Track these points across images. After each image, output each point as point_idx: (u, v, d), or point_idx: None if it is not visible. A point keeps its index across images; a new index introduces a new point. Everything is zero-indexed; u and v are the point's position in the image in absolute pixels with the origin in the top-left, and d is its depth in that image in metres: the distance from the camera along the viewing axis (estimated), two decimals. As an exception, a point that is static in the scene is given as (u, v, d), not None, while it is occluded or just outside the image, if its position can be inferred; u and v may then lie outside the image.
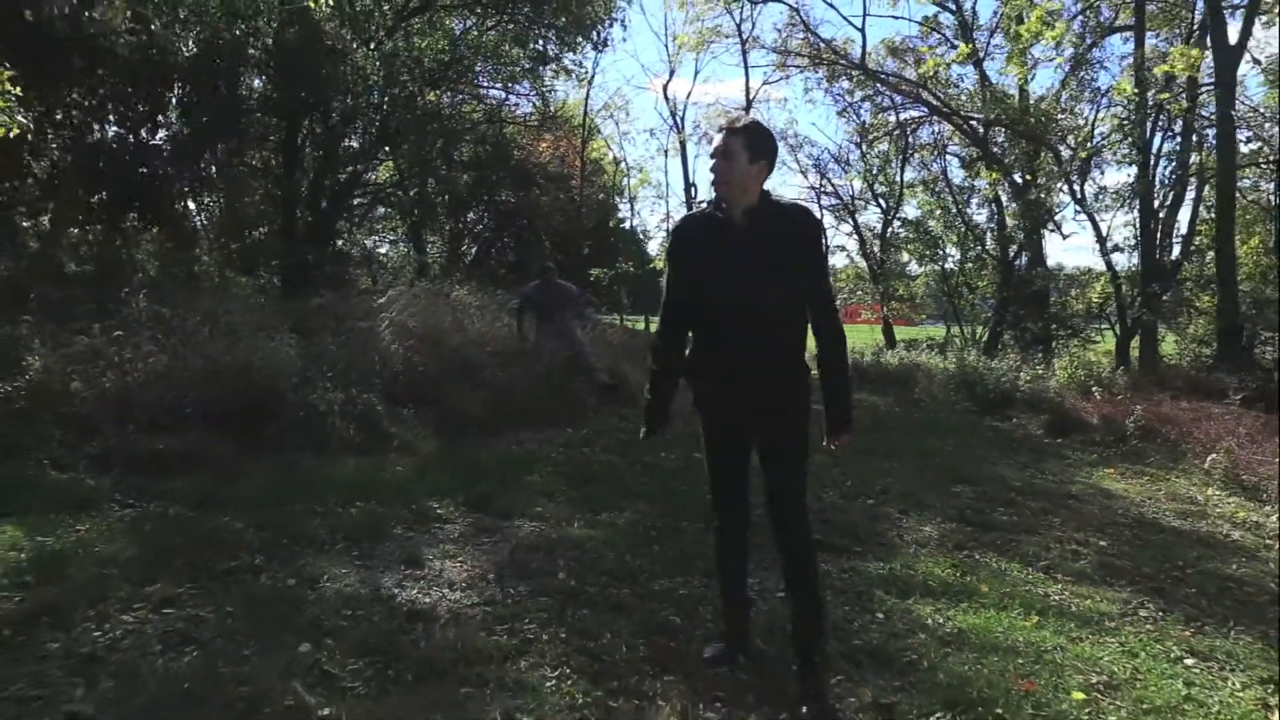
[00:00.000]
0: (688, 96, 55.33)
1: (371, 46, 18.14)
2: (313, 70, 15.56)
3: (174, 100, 15.82)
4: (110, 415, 5.18)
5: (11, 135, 6.41)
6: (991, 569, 4.37)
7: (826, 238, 2.77)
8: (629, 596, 3.59)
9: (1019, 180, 19.44)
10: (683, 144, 29.24)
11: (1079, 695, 2.93)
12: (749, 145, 2.73)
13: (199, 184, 18.12)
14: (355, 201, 22.15)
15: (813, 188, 25.54)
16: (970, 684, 2.92)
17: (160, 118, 15.74)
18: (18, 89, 6.45)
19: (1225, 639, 3.64)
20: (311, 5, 7.93)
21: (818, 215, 2.94)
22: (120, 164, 13.74)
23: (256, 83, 18.84)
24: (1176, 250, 18.62)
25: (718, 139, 2.80)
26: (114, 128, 14.79)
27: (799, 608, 2.90)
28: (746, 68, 26.02)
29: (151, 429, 5.22)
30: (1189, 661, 3.35)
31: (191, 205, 18.31)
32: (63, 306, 7.81)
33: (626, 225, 36.04)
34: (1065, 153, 19.34)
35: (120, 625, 2.95)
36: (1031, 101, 20.10)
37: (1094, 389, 11.58)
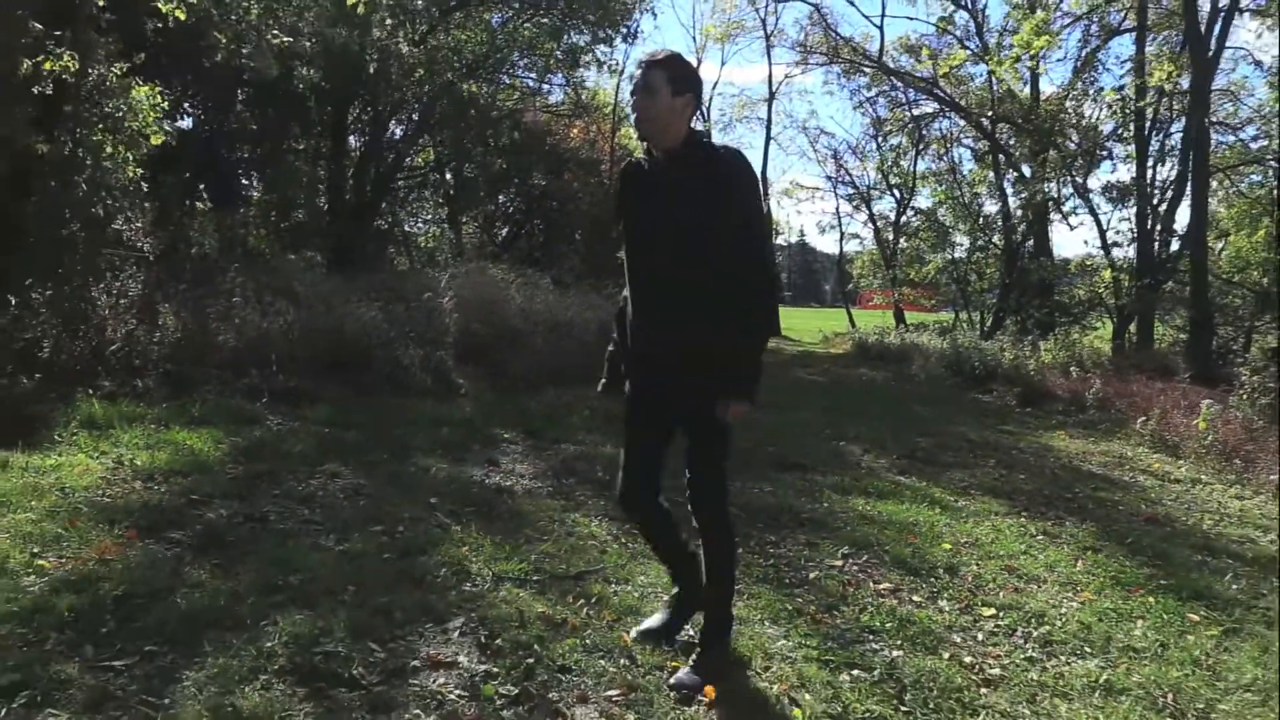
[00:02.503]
0: (714, 87, 56.12)
1: (416, 40, 19.54)
2: (361, 63, 16.93)
3: (240, 92, 17.31)
4: (250, 361, 6.72)
5: (158, 142, 7.91)
6: (919, 486, 5.79)
7: (761, 185, 3.17)
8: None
9: (1025, 173, 20.61)
10: (708, 132, 30.49)
11: (947, 545, 4.38)
12: (672, 78, 2.56)
13: (260, 169, 19.76)
14: (397, 184, 23.61)
15: (829, 177, 26.88)
16: (874, 538, 4.37)
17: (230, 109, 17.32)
18: (165, 103, 7.95)
19: (1077, 529, 5.03)
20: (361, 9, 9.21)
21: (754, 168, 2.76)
22: (198, 151, 15.32)
23: (309, 72, 20.22)
24: (1176, 244, 19.75)
25: (637, 74, 2.64)
26: (189, 118, 16.37)
27: (705, 597, 2.86)
28: (770, 61, 27.23)
29: (281, 372, 6.75)
30: (1039, 538, 4.76)
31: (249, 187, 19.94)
32: (179, 276, 9.34)
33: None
34: (1070, 147, 20.42)
35: (310, 485, 4.48)
36: (1043, 99, 21.20)
37: (1072, 368, 12.85)
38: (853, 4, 23.11)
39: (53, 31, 6.06)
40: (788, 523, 4.59)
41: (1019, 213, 20.73)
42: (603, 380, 3.02)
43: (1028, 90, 20.91)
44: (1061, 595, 3.86)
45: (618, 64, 26.35)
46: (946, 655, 3.09)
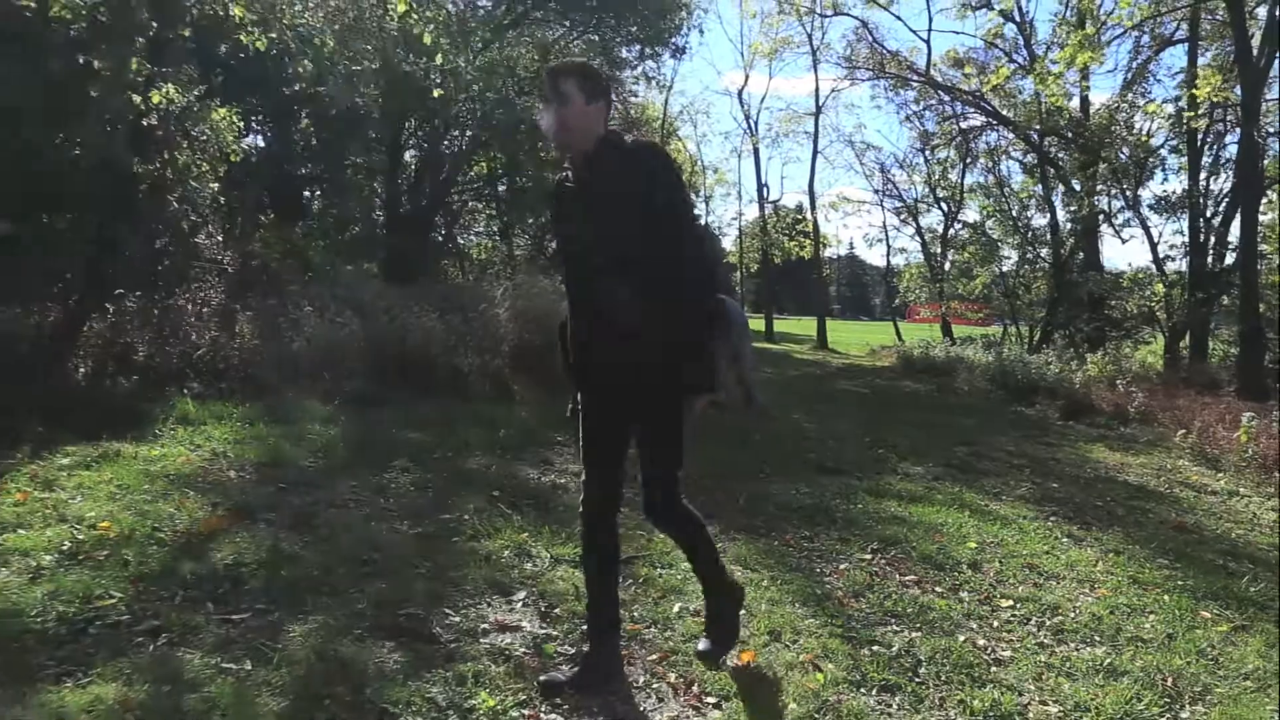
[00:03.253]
0: (761, 101, 56.66)
1: (472, 57, 20.18)
2: (425, 87, 17.58)
3: (303, 113, 18.05)
4: (322, 365, 7.22)
5: (235, 160, 8.49)
6: (951, 491, 6.05)
7: (678, 172, 3.10)
8: (687, 483, 5.42)
9: (1075, 186, 20.59)
10: (756, 147, 30.86)
11: (972, 544, 4.66)
12: (583, 86, 2.56)
13: (320, 184, 20.58)
14: (451, 198, 24.29)
15: (877, 190, 27.03)
16: (903, 536, 4.67)
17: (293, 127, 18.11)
18: (240, 124, 8.53)
19: (1103, 534, 5.27)
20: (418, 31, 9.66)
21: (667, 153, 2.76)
22: (266, 167, 16.09)
23: (371, 88, 20.94)
24: (1231, 258, 19.58)
25: (547, 85, 2.63)
26: (255, 135, 17.16)
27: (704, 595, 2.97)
28: (817, 75, 27.55)
29: (349, 376, 7.24)
30: (1064, 540, 5.01)
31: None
32: (252, 287, 9.93)
33: (701, 222, 37.85)
34: (1121, 159, 20.35)
35: (383, 478, 4.91)
36: (1093, 112, 21.15)
37: (1118, 382, 12.90)
38: (899, 18, 23.18)
39: (157, 67, 6.62)
40: (822, 520, 4.91)
41: (1067, 226, 20.69)
42: (570, 406, 2.89)
43: (1077, 102, 20.92)
44: (1078, 591, 4.12)
45: (666, 79, 26.93)
46: (961, 638, 3.38)
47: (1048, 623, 3.67)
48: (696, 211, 2.31)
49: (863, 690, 2.85)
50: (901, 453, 7.49)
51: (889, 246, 29.31)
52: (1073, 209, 20.50)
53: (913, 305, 27.54)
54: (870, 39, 23.33)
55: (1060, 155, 21.37)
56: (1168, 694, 3.07)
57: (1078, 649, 3.42)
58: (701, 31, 25.92)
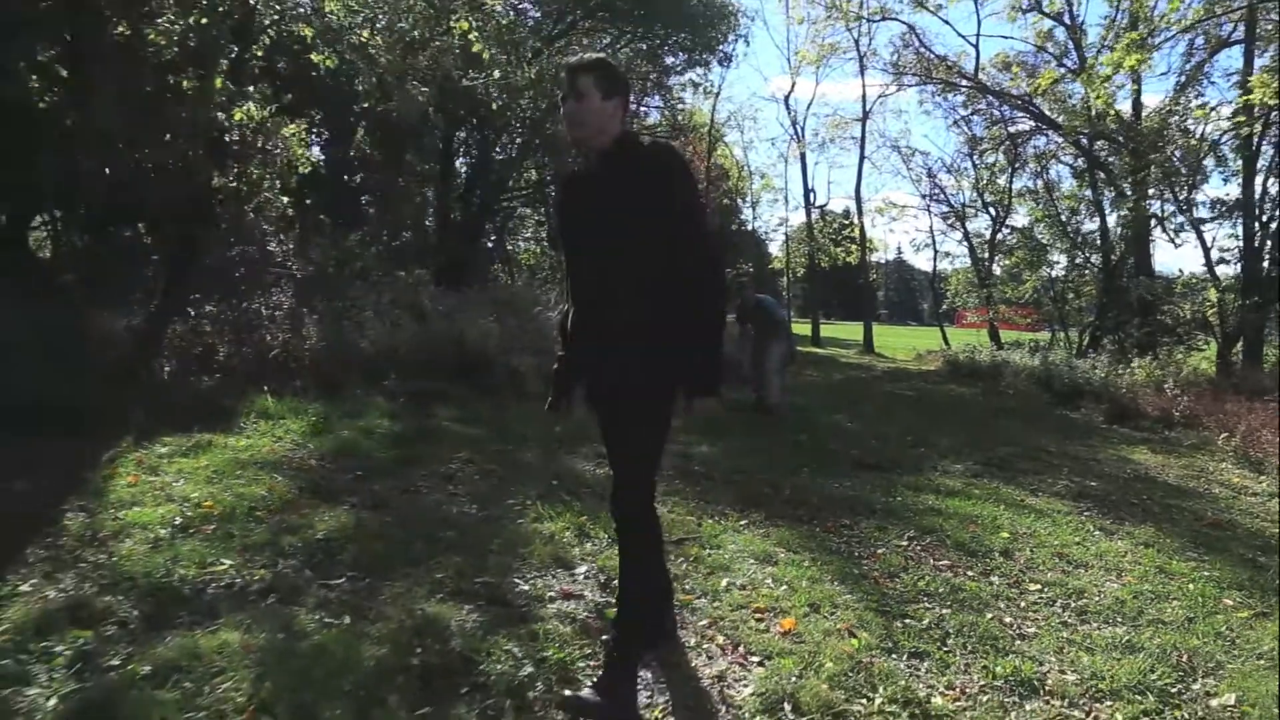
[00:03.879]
0: (808, 107, 56.73)
1: (526, 68, 20.66)
2: (482, 101, 18.08)
3: (360, 124, 18.67)
4: (386, 365, 7.66)
5: (304, 172, 8.98)
6: (989, 487, 6.28)
7: (694, 176, 3.16)
8: (735, 477, 5.74)
9: (1125, 190, 20.46)
10: (803, 154, 31.01)
11: (1005, 534, 4.90)
12: (600, 82, 2.58)
13: (374, 192, 21.21)
14: (501, 205, 24.84)
15: (924, 195, 27.06)
16: (939, 526, 4.93)
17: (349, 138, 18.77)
18: (308, 138, 9.01)
19: (1136, 528, 5.46)
20: (477, 48, 10.06)
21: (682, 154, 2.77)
22: (328, 179, 16.74)
23: (424, 99, 21.46)
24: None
25: (565, 81, 2.64)
26: (315, 147, 17.81)
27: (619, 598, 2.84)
28: (864, 81, 27.73)
29: (412, 375, 7.67)
30: (1096, 533, 5.22)
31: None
32: (317, 292, 10.43)
33: (748, 227, 38.15)
34: (1174, 163, 20.17)
35: (450, 467, 5.31)
36: (1144, 114, 20.99)
37: (1165, 386, 12.89)
38: (948, 22, 23.10)
39: (238, 86, 7.12)
40: (861, 511, 5.19)
41: (1117, 230, 20.57)
42: (549, 399, 2.89)
43: (1129, 106, 20.79)
44: (1105, 578, 4.35)
45: (713, 86, 27.21)
46: (989, 615, 3.65)
47: (1072, 604, 3.91)
48: (710, 214, 2.32)
49: (894, 655, 3.14)
50: (942, 451, 7.71)
51: (935, 251, 29.30)
52: (1123, 213, 20.37)
53: (960, 310, 27.47)
54: (917, 44, 23.38)
55: (1111, 159, 21.23)
56: (1182, 668, 3.31)
57: (1099, 628, 3.66)
58: (748, 41, 26.08)
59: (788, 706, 2.67)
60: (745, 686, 2.79)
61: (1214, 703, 3.07)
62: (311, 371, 7.33)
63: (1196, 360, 18.36)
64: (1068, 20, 22.16)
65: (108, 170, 7.35)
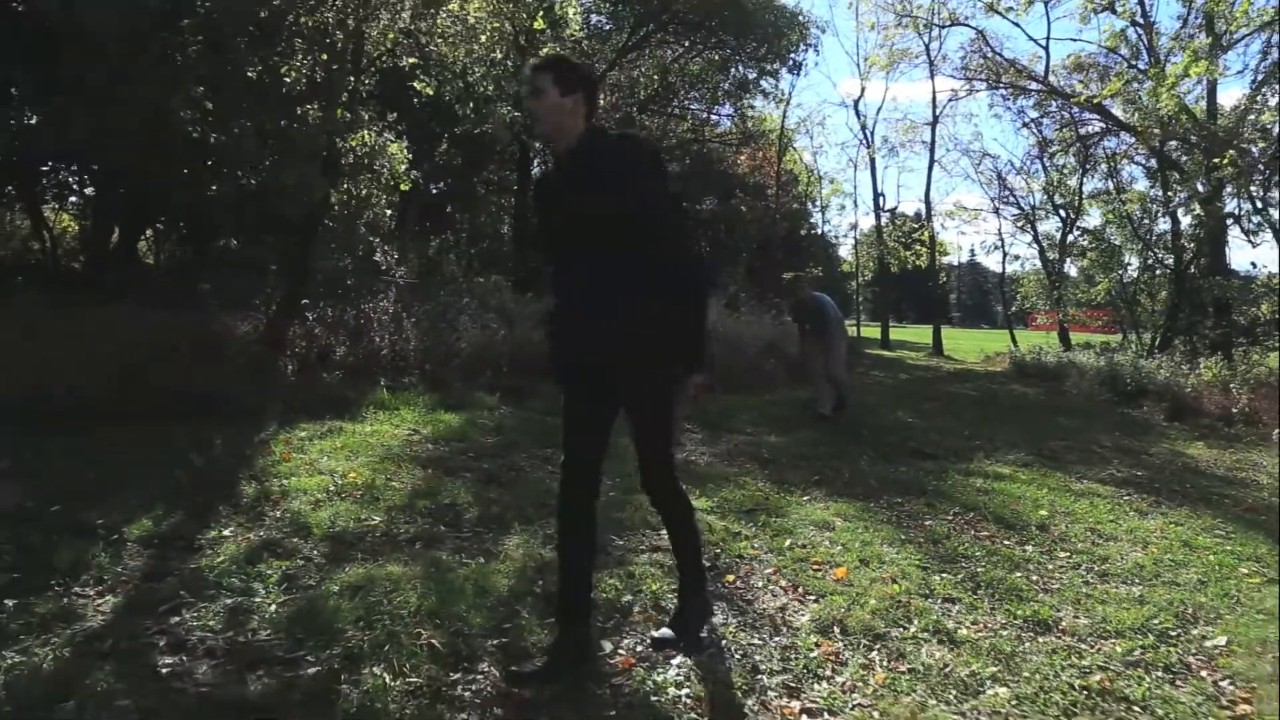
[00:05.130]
0: (877, 112, 56.64)
1: (601, 81, 21.44)
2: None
3: (445, 136, 19.64)
4: (482, 364, 8.48)
5: (404, 189, 9.85)
6: (1036, 474, 6.77)
7: (661, 165, 3.19)
8: (801, 462, 6.37)
9: (1199, 189, 20.35)
10: (872, 159, 31.28)
11: (1044, 512, 5.43)
12: (558, 79, 2.67)
13: (455, 200, 22.28)
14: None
15: (993, 198, 27.15)
16: (983, 503, 5.49)
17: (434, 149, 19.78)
18: (407, 153, 9.90)
19: (1171, 509, 5.92)
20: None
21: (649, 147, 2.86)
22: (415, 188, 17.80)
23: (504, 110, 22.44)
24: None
25: (528, 80, 2.74)
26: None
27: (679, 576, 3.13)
28: (934, 87, 27.76)
29: (504, 373, 8.47)
30: (1131, 513, 5.71)
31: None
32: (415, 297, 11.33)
33: (817, 231, 38.46)
34: (1250, 161, 19.99)
35: (545, 451, 6.06)
36: (1220, 114, 20.83)
37: (1232, 386, 13.02)
38: (1018, 25, 23.19)
39: (354, 115, 8.02)
40: (913, 491, 5.77)
41: (1189, 230, 20.48)
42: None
43: (1204, 104, 20.61)
44: (1131, 549, 4.86)
45: (783, 94, 27.69)
46: (1018, 574, 4.22)
47: (1096, 568, 4.45)
48: (680, 203, 2.56)
49: (929, 599, 3.75)
50: (996, 444, 8.19)
51: (1004, 254, 29.31)
52: (1196, 213, 20.27)
53: (1032, 313, 27.43)
54: (983, 49, 23.54)
55: (1184, 158, 21.12)
56: (1185, 618, 3.84)
57: (1116, 587, 4.19)
58: (818, 50, 26.43)
59: (836, 629, 3.31)
60: (803, 615, 3.45)
61: (1207, 644, 3.59)
62: (417, 369, 8.18)
63: (1274, 360, 18.23)
64: (1140, 20, 22.13)
65: (241, 185, 8.30)
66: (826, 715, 2.65)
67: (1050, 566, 4.43)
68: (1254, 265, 27.82)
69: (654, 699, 2.65)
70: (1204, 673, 3.28)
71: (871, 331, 34.76)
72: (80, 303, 8.12)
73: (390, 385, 7.49)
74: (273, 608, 3.07)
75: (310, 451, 5.47)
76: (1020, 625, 3.57)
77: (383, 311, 9.02)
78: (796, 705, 2.69)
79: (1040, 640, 3.44)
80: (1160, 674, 3.22)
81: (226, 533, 3.84)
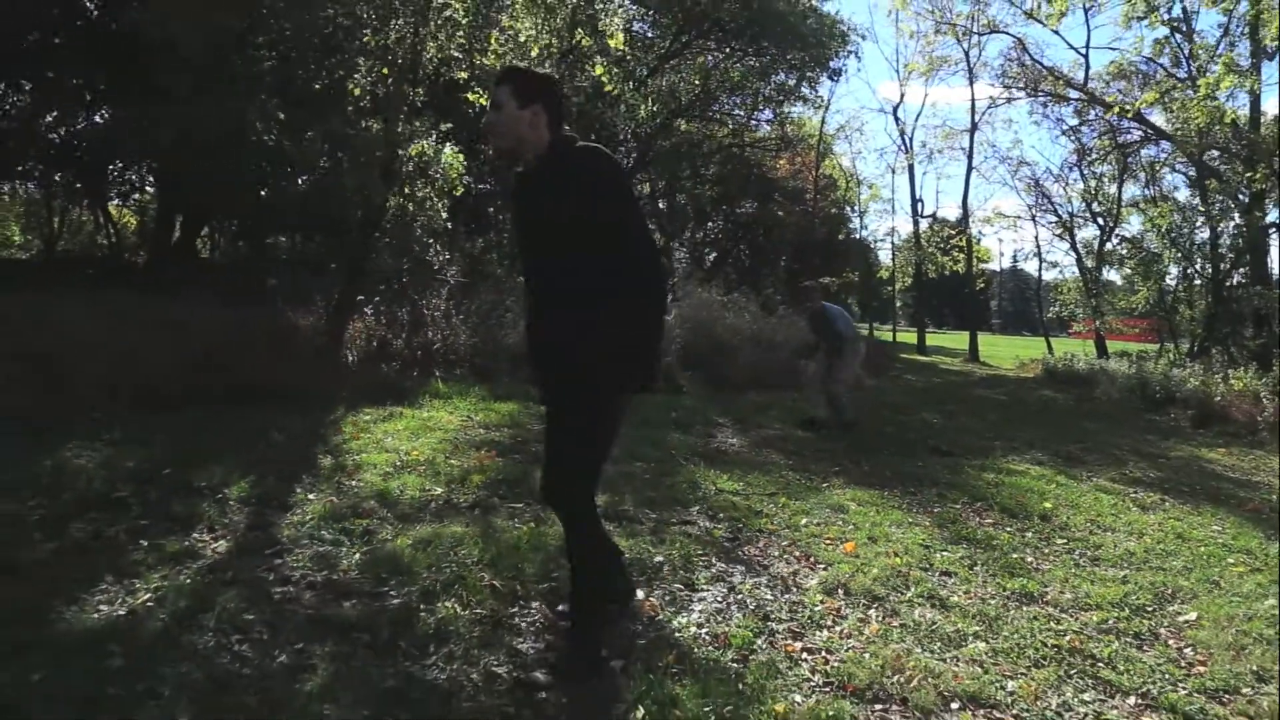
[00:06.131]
0: (916, 118, 56.65)
1: (639, 86, 21.99)
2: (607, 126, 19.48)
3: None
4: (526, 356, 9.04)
5: (457, 194, 10.42)
6: (1050, 471, 7.16)
7: (623, 177, 2.77)
8: (823, 455, 6.83)
9: (1241, 198, 20.38)
10: (910, 164, 31.48)
11: (1048, 504, 5.84)
12: (516, 91, 2.66)
13: (497, 201, 22.86)
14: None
15: (1030, 205, 27.28)
16: (992, 495, 5.92)
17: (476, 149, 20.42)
18: (462, 161, 10.47)
19: (1174, 507, 6.29)
20: (609, 87, 11.37)
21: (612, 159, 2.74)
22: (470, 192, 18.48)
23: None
24: None
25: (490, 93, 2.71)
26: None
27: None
28: (973, 94, 27.95)
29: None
30: (1133, 509, 6.09)
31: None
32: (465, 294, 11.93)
33: (856, 236, 38.67)
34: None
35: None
36: (1265, 121, 20.83)
37: (1263, 395, 13.19)
38: (1058, 33, 23.32)
39: (412, 126, 8.62)
40: (926, 482, 6.21)
41: (1229, 240, 20.51)
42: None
43: (1246, 111, 20.63)
44: (1127, 539, 5.26)
45: (822, 100, 28.02)
46: (1014, 556, 4.65)
47: (1089, 554, 4.86)
48: (642, 213, 2.75)
49: (928, 572, 4.21)
50: (1016, 445, 8.57)
51: (1041, 261, 29.41)
52: (1236, 222, 20.32)
53: (1071, 320, 27.53)
54: (1026, 56, 23.72)
55: (1224, 167, 21.15)
56: (1162, 597, 4.25)
57: (1105, 570, 4.61)
58: (858, 57, 26.73)
59: (840, 591, 3.79)
60: (811, 579, 3.93)
61: (1179, 618, 4.01)
62: (467, 362, 8.75)
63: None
64: (1182, 28, 22.15)
65: (305, 188, 8.93)
66: (824, 653, 3.13)
67: (1046, 550, 4.86)
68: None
69: (678, 635, 3.15)
70: (1170, 641, 3.70)
71: (908, 337, 34.91)
72: (151, 296, 8.83)
73: (444, 376, 8.07)
74: (357, 555, 3.62)
75: (375, 432, 6.05)
76: (1008, 596, 4.01)
77: (435, 308, 9.61)
78: (799, 645, 3.18)
79: (1024, 609, 3.88)
80: (1129, 640, 3.65)
81: (311, 496, 4.41)
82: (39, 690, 2.31)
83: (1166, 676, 3.29)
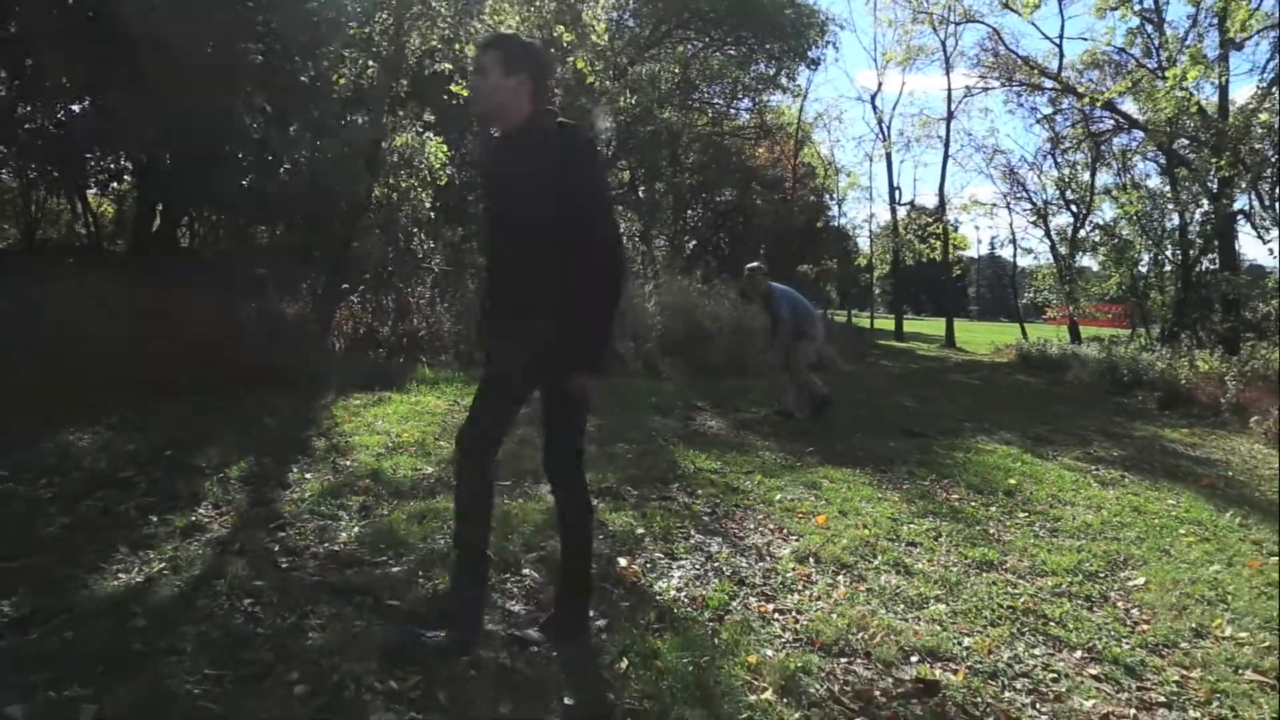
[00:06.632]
0: (894, 107, 56.86)
1: (620, 75, 22.13)
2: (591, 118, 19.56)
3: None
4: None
5: (441, 184, 10.58)
6: (1017, 450, 7.44)
7: (596, 159, 2.93)
8: (798, 436, 7.09)
9: (1210, 186, 20.80)
10: (888, 152, 31.79)
11: (1013, 481, 6.12)
12: (503, 59, 2.62)
13: (477, 190, 22.99)
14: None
15: (1004, 194, 27.69)
16: (959, 472, 6.19)
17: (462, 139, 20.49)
18: (445, 151, 10.62)
19: (1133, 483, 6.58)
20: (590, 80, 11.52)
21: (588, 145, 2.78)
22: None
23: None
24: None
25: (474, 59, 2.67)
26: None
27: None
28: (949, 83, 28.32)
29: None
30: (1094, 485, 6.38)
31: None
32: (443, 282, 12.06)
33: (834, 224, 38.96)
34: (1262, 158, 20.39)
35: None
36: (1231, 111, 21.23)
37: (1227, 379, 13.55)
38: (1033, 24, 23.67)
39: (396, 118, 8.78)
40: (896, 461, 6.48)
41: (1196, 227, 20.95)
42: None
43: (1215, 99, 21.02)
44: (1085, 512, 5.54)
45: (801, 89, 28.24)
46: (977, 528, 4.92)
47: (1048, 526, 5.14)
48: (610, 199, 2.79)
49: (894, 542, 4.46)
50: (986, 426, 8.87)
51: (1015, 248, 29.86)
52: (1204, 209, 20.74)
53: (1045, 306, 28.01)
54: (1002, 46, 24.03)
55: (1193, 156, 21.56)
56: (1114, 564, 4.53)
57: (1062, 540, 4.88)
58: (836, 47, 27.03)
59: (811, 559, 4.04)
60: (784, 549, 4.18)
61: (1129, 583, 4.29)
62: (451, 348, 8.94)
63: (1274, 355, 18.68)
64: (1154, 19, 22.50)
65: (289, 179, 9.06)
66: (794, 614, 3.38)
67: (1008, 523, 5.13)
68: (1272, 253, 27.92)
69: (659, 597, 3.38)
70: (1119, 603, 3.98)
71: (886, 323, 35.30)
72: (135, 284, 8.94)
73: (430, 363, 8.26)
74: (356, 529, 3.83)
75: (366, 416, 6.24)
76: (969, 564, 4.28)
77: (420, 296, 9.78)
78: (771, 606, 3.42)
79: (984, 575, 4.14)
80: (1080, 602, 3.92)
81: (308, 475, 4.60)
82: (70, 647, 2.50)
83: (1112, 633, 3.55)
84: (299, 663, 2.55)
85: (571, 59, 9.13)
